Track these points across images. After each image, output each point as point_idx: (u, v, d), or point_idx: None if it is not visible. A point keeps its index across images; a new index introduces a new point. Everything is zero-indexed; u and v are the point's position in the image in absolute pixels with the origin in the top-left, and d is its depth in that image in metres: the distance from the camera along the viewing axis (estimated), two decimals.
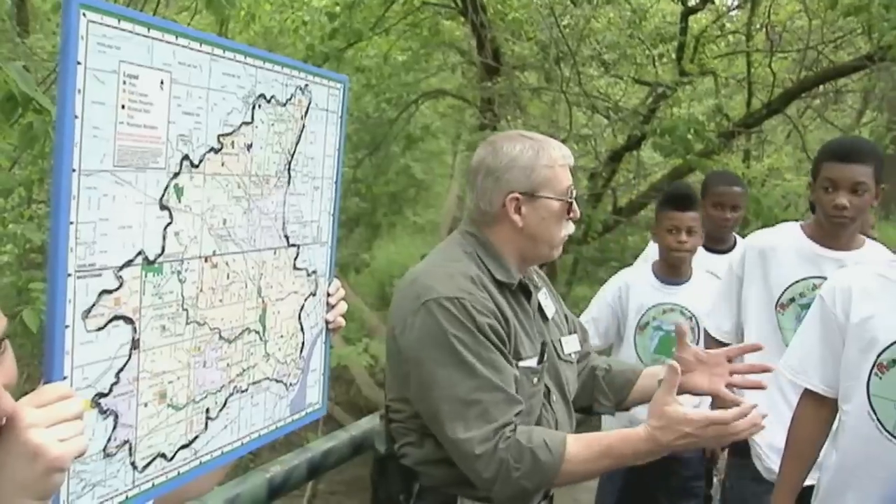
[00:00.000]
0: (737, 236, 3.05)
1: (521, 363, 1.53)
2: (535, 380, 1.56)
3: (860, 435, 1.74)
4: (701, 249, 2.78)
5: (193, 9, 6.38)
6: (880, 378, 1.71)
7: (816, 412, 1.88)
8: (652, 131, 6.14)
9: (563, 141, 7.19)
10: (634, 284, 2.81)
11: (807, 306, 2.02)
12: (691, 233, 2.66)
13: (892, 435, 1.69)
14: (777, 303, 2.29)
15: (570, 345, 1.71)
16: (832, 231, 2.18)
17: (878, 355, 1.72)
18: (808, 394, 1.89)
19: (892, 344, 1.71)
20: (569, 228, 1.63)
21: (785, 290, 2.27)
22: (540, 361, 1.57)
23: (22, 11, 7.22)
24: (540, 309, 1.66)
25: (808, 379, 1.87)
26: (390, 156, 8.38)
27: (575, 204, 1.61)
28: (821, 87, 7.53)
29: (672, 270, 2.75)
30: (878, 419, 1.71)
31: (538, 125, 7.69)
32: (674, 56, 6.84)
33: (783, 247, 2.29)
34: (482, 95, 7.08)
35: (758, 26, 7.68)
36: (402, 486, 1.54)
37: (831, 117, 9.78)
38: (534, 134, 1.65)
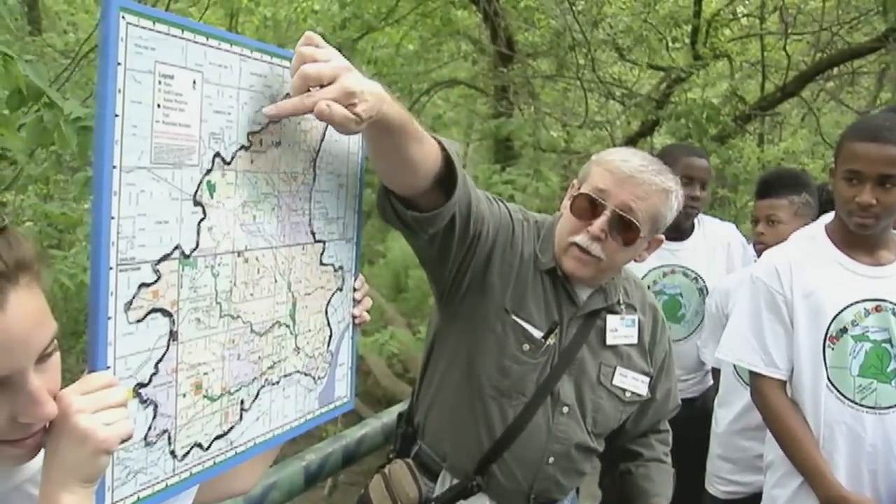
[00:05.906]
0: (696, 221, 2.71)
1: (516, 319, 1.50)
2: (526, 347, 1.50)
3: (821, 408, 1.74)
4: None
5: (205, 3, 6.41)
6: (833, 349, 1.74)
7: (785, 393, 1.82)
8: (667, 116, 6.12)
9: (579, 127, 7.23)
10: None
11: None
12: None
13: (853, 402, 1.72)
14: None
15: (629, 382, 1.60)
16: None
17: (828, 327, 1.74)
18: (771, 381, 1.81)
19: (837, 315, 1.73)
20: (581, 238, 1.49)
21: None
22: (545, 337, 1.52)
23: (34, 10, 7.28)
24: (603, 328, 1.59)
25: (780, 373, 1.80)
26: None
27: (582, 202, 1.48)
28: (836, 69, 7.46)
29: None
30: (837, 389, 1.73)
31: (551, 112, 7.68)
32: (687, 40, 6.80)
33: None
34: (497, 83, 7.07)
35: (771, 8, 7.61)
36: None
37: (846, 99, 9.69)
38: (641, 151, 1.59)
